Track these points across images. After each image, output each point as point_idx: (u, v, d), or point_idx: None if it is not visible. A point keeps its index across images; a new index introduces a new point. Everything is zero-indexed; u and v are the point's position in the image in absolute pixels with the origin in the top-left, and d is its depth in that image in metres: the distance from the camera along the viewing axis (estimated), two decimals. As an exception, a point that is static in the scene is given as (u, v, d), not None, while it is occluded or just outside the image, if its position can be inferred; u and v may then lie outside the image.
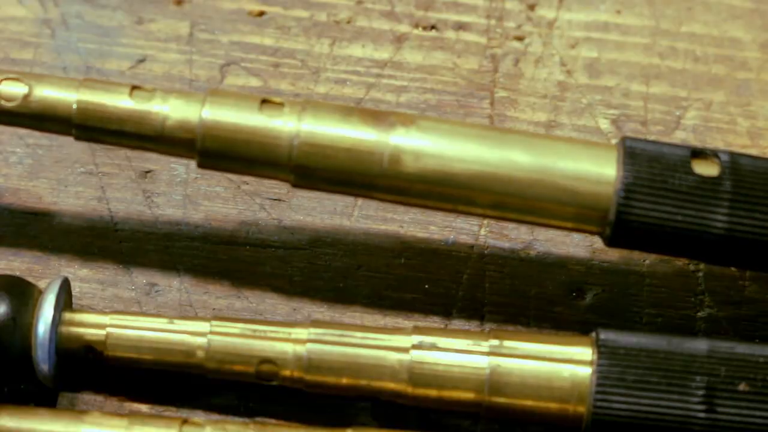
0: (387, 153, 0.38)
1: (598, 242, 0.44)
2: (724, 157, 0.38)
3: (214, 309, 0.42)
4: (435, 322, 0.42)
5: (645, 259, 0.44)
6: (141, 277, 0.43)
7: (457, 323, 0.42)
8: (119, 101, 0.38)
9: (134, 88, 0.38)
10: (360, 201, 0.44)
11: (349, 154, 0.38)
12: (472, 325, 0.42)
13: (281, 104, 0.38)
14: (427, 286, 0.43)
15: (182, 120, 0.38)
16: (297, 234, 0.44)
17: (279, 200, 0.44)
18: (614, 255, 0.44)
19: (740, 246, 0.37)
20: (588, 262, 0.44)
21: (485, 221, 0.44)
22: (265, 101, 0.38)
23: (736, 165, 0.38)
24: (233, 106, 0.38)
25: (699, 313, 0.43)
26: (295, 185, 0.39)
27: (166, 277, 0.43)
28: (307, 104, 0.38)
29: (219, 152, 0.38)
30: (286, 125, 0.38)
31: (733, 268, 0.43)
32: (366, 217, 0.44)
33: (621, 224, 0.37)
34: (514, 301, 0.43)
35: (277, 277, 0.43)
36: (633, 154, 0.38)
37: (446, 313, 0.43)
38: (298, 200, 0.44)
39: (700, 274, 0.43)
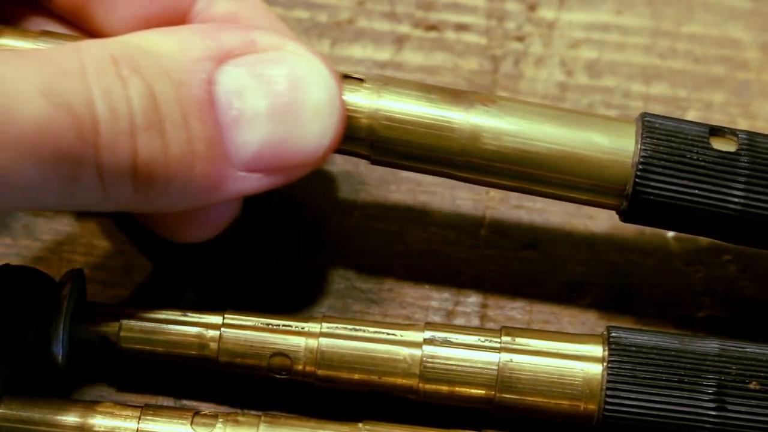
0: (467, 130, 0.38)
1: (598, 242, 0.44)
2: (742, 135, 0.38)
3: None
4: (435, 322, 0.42)
5: (645, 260, 0.44)
6: (142, 278, 0.43)
7: (457, 323, 0.42)
8: None
9: None
10: (361, 202, 0.44)
11: (430, 131, 0.38)
12: (472, 326, 0.42)
13: (361, 80, 0.38)
14: (427, 286, 0.43)
15: None
16: (297, 234, 0.44)
17: (279, 200, 0.44)
18: (614, 255, 0.44)
19: (756, 223, 0.37)
20: (588, 262, 0.44)
21: (486, 222, 0.44)
22: (346, 76, 0.38)
23: (753, 143, 0.37)
24: None
25: (699, 314, 0.43)
26: (374, 161, 0.39)
27: (167, 277, 0.43)
28: (388, 80, 0.38)
29: None
30: (366, 100, 0.38)
31: (733, 268, 0.43)
32: (366, 217, 0.44)
33: (638, 197, 0.37)
34: (514, 301, 0.43)
35: (277, 277, 0.43)
36: (651, 128, 0.38)
37: (447, 313, 0.43)
38: (298, 201, 0.44)
39: (700, 274, 0.43)
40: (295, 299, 0.43)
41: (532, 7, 0.49)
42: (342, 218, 0.44)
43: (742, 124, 0.46)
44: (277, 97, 0.35)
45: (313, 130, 0.36)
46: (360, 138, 0.38)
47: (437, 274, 0.43)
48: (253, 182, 0.36)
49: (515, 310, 0.43)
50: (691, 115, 0.46)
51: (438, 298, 0.43)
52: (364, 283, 0.43)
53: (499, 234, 0.44)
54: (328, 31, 0.48)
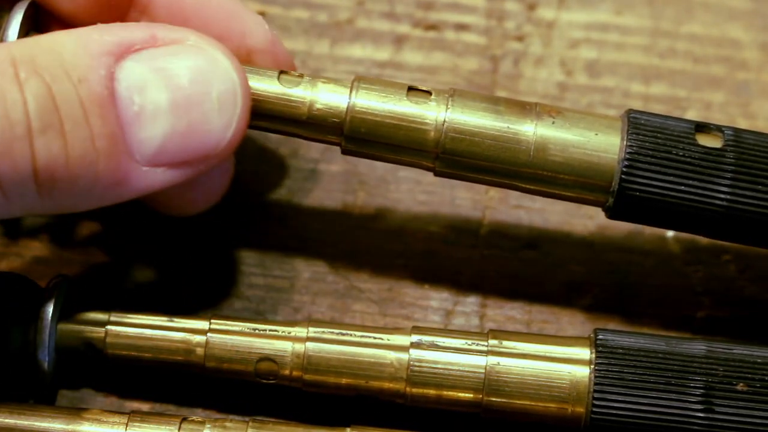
0: (534, 142, 0.38)
1: (598, 242, 0.44)
2: (728, 132, 0.38)
3: (214, 309, 0.42)
4: (435, 322, 0.42)
5: (645, 260, 0.44)
6: (141, 277, 0.43)
7: (457, 323, 0.42)
8: (269, 85, 0.38)
9: (282, 72, 0.38)
10: (361, 202, 0.44)
11: (497, 143, 0.38)
12: (472, 325, 0.42)
13: (428, 92, 0.38)
14: (427, 286, 0.43)
15: (330, 104, 0.38)
16: (297, 235, 0.44)
17: (280, 200, 0.44)
18: (614, 255, 0.44)
19: (741, 219, 0.37)
20: (588, 262, 0.44)
21: (485, 222, 0.44)
22: (412, 89, 0.38)
23: (739, 139, 0.37)
24: (381, 93, 0.38)
25: (699, 314, 0.43)
26: (438, 173, 0.39)
27: (166, 276, 0.43)
28: (455, 93, 0.38)
29: (365, 138, 0.38)
30: (434, 113, 0.38)
31: (732, 268, 0.43)
32: (366, 217, 0.44)
33: (623, 194, 0.37)
34: (514, 301, 0.43)
35: (277, 277, 0.43)
36: (637, 125, 0.38)
37: (446, 313, 0.43)
38: (299, 201, 0.44)
39: (700, 274, 0.43)
40: (294, 299, 0.43)
41: (532, 7, 0.49)
42: (342, 218, 0.44)
43: (742, 124, 0.46)
44: (178, 91, 0.35)
45: (216, 123, 0.36)
46: (427, 150, 0.38)
47: (437, 274, 0.43)
48: (158, 176, 0.36)
49: (515, 310, 0.43)
50: (691, 115, 0.46)
51: (438, 298, 0.43)
52: (364, 283, 0.43)
53: (498, 234, 0.44)
54: (327, 31, 0.48)
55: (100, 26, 0.35)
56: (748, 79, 0.47)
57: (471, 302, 0.43)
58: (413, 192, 0.45)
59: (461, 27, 0.48)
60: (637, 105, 0.46)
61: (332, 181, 0.45)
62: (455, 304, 0.43)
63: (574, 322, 0.43)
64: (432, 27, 0.48)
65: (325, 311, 0.42)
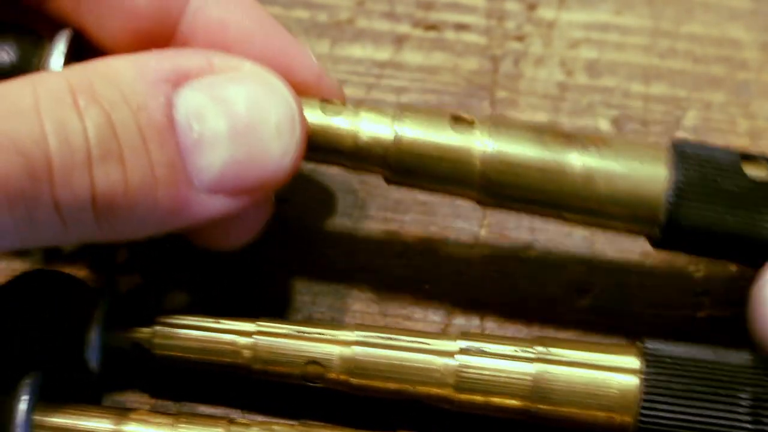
0: (579, 174, 0.37)
1: (598, 242, 0.44)
2: None
3: (215, 309, 0.42)
4: (435, 322, 0.42)
5: (645, 260, 0.44)
6: (146, 280, 0.43)
7: (457, 323, 0.42)
8: (310, 115, 0.37)
9: (323, 101, 0.38)
10: (361, 202, 0.44)
11: (542, 174, 0.37)
12: (473, 325, 0.42)
13: (471, 122, 0.38)
14: (427, 286, 0.43)
15: (374, 135, 0.37)
16: (297, 234, 0.44)
17: (280, 200, 0.44)
18: (614, 255, 0.44)
19: None
20: (588, 262, 0.44)
21: (486, 222, 0.44)
22: (456, 118, 0.38)
23: None
24: (425, 122, 0.37)
25: (699, 314, 0.43)
26: (482, 203, 0.38)
27: (170, 278, 0.43)
28: (499, 122, 0.38)
29: (410, 168, 0.37)
30: (478, 143, 0.37)
31: (733, 268, 0.43)
32: (366, 217, 0.44)
33: (671, 226, 0.37)
34: (514, 301, 0.43)
35: (278, 277, 0.43)
36: (684, 155, 0.37)
37: (446, 313, 0.43)
38: (300, 200, 0.44)
39: (700, 274, 0.43)
40: (295, 299, 0.43)
41: (532, 7, 0.49)
42: (342, 218, 0.44)
43: (742, 124, 0.46)
44: (237, 118, 0.35)
45: (274, 150, 0.35)
46: (472, 182, 0.37)
47: (437, 274, 0.43)
48: (217, 204, 0.35)
49: (515, 310, 0.43)
50: (691, 115, 0.46)
51: (438, 299, 0.43)
52: (364, 283, 0.43)
53: (498, 234, 0.44)
54: (327, 31, 0.48)
55: (155, 52, 0.35)
56: (748, 79, 0.47)
57: (471, 302, 0.43)
58: (413, 192, 0.45)
59: (461, 27, 0.48)
60: (637, 105, 0.46)
61: (332, 180, 0.45)
62: (455, 304, 0.43)
63: (574, 322, 0.43)
64: (432, 27, 0.48)
65: (325, 311, 0.42)
